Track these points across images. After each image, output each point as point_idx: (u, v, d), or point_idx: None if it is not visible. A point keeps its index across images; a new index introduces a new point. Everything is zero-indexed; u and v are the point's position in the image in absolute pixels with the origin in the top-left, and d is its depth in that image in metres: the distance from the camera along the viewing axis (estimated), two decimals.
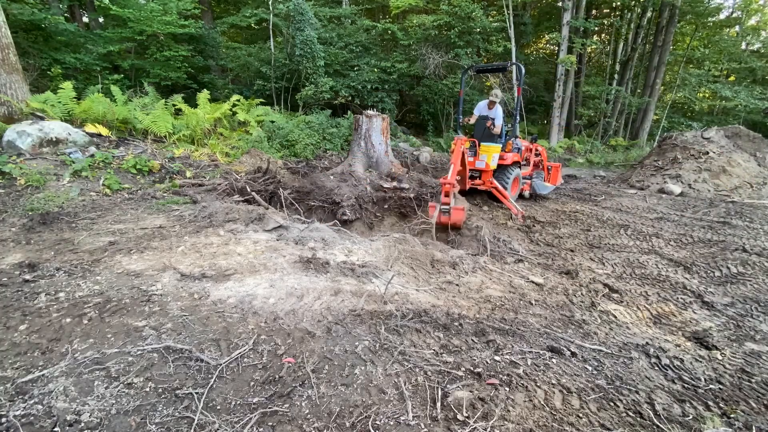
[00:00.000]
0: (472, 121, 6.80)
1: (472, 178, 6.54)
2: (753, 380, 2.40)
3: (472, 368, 2.26)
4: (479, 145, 6.45)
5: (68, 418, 1.77)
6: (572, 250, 4.79)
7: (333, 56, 12.48)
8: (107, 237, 3.89)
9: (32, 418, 1.77)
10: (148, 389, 1.99)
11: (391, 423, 1.86)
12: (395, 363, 2.28)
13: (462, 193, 6.40)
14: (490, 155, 6.33)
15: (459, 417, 1.90)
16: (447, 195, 5.03)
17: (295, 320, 2.65)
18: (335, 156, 9.34)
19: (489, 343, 2.55)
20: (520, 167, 6.94)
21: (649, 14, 16.63)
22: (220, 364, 2.16)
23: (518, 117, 6.90)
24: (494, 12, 14.62)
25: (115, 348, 2.26)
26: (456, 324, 2.71)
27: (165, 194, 5.46)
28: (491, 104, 6.58)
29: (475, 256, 4.14)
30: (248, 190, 5.69)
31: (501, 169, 6.55)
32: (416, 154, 10.77)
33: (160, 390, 1.98)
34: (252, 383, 2.07)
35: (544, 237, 5.34)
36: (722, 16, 18.24)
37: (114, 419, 1.80)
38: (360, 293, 3.06)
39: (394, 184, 6.14)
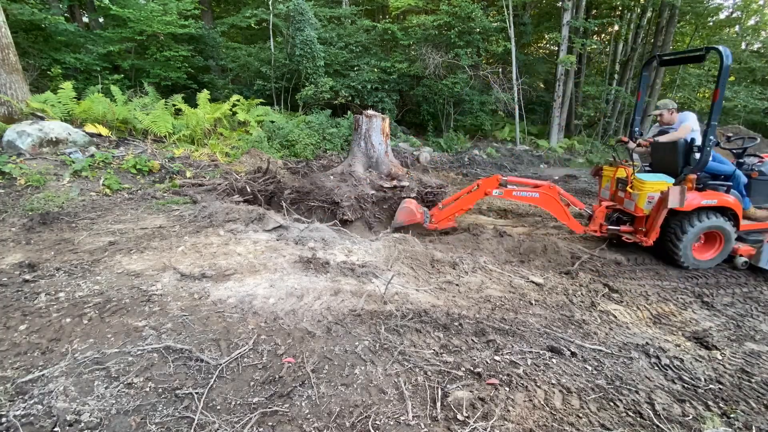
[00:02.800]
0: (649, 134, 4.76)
1: (618, 221, 4.63)
2: (753, 380, 2.40)
3: (472, 368, 2.26)
4: (635, 177, 4.31)
5: (68, 418, 1.77)
6: None
7: (333, 56, 12.47)
8: (107, 237, 3.89)
9: (32, 418, 1.77)
10: (148, 389, 1.99)
11: (391, 423, 1.86)
12: (395, 363, 2.28)
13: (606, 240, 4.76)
14: (643, 194, 4.19)
15: (459, 417, 1.90)
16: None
17: (295, 320, 2.65)
18: (335, 156, 9.34)
19: (489, 343, 2.55)
20: (730, 218, 4.23)
21: (648, 14, 16.63)
22: (220, 364, 2.16)
23: (713, 137, 4.01)
24: (494, 12, 14.61)
25: (115, 348, 2.26)
26: (456, 324, 2.71)
27: (165, 194, 5.46)
28: (661, 118, 4.60)
29: (474, 256, 4.14)
30: (248, 190, 5.69)
31: (675, 218, 4.20)
32: (416, 154, 10.77)
33: (160, 390, 1.98)
34: (252, 383, 2.07)
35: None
36: (722, 16, 18.24)
37: (114, 419, 1.80)
38: (360, 293, 3.06)
39: (395, 182, 6.10)
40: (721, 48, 3.80)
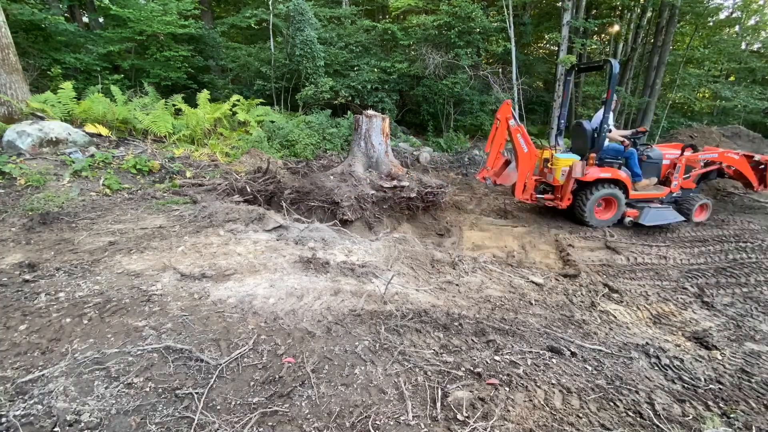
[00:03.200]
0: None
1: (543, 191, 6.09)
2: (753, 380, 2.40)
3: (472, 368, 2.26)
4: (554, 156, 5.88)
5: (68, 418, 1.77)
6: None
7: (333, 56, 12.47)
8: (107, 237, 3.89)
9: (32, 418, 1.77)
10: (148, 389, 1.98)
11: (391, 423, 1.86)
12: (395, 363, 2.28)
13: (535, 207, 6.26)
14: (558, 168, 5.75)
15: (459, 417, 1.90)
16: None
17: (295, 320, 2.65)
18: (335, 156, 9.34)
19: (489, 343, 2.55)
20: (621, 188, 5.74)
21: (648, 14, 16.64)
22: (220, 364, 2.16)
23: (608, 123, 5.55)
24: (494, 12, 14.61)
25: (115, 348, 2.26)
26: (456, 324, 2.71)
27: (165, 194, 5.46)
28: None
29: (475, 256, 4.13)
30: (248, 190, 5.69)
31: (582, 188, 5.70)
32: (416, 154, 10.76)
33: (160, 390, 1.98)
34: (252, 383, 2.07)
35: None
36: (722, 16, 18.25)
37: (114, 419, 1.80)
38: (360, 293, 3.06)
39: (395, 182, 6.10)
40: (612, 60, 5.41)
